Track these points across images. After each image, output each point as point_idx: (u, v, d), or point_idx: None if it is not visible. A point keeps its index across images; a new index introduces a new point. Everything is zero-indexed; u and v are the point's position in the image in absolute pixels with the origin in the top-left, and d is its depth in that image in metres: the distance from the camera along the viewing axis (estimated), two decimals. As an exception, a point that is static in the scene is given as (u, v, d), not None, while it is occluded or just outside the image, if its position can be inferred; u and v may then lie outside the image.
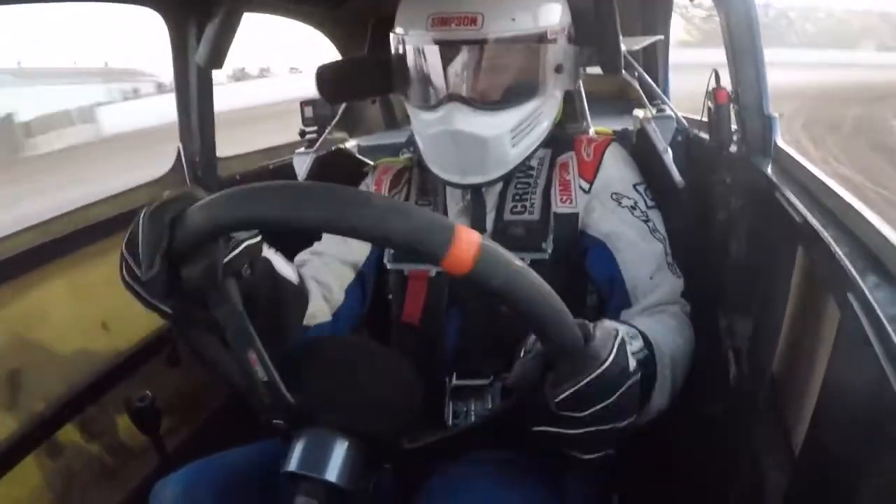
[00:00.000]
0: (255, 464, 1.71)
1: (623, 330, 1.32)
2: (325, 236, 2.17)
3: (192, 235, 1.15)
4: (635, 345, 1.54)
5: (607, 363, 1.16)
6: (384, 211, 0.99)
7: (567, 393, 1.15)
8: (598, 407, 1.17)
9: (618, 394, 1.18)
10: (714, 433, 2.22)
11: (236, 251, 1.29)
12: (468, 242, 0.99)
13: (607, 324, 1.24)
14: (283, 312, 1.66)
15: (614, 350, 1.18)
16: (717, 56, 2.30)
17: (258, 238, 1.39)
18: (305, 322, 1.91)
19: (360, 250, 2.17)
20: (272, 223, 1.04)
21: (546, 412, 1.19)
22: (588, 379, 1.15)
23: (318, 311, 2.01)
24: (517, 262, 1.04)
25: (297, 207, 1.02)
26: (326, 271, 2.10)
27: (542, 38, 1.96)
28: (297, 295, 1.78)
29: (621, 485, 2.02)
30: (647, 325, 1.70)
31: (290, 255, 1.87)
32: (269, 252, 1.60)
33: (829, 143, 16.99)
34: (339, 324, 2.08)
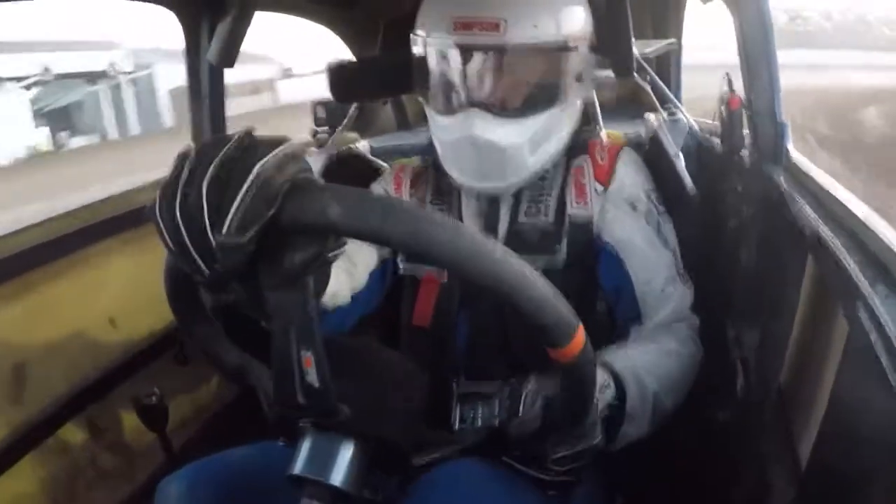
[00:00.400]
0: (261, 463, 1.71)
1: (599, 382, 1.52)
2: None
3: (309, 225, 1.00)
4: (607, 395, 1.64)
5: (597, 434, 1.40)
6: (519, 276, 1.00)
7: (565, 455, 1.40)
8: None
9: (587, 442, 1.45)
10: (720, 441, 2.22)
11: (343, 248, 1.13)
12: (579, 340, 1.06)
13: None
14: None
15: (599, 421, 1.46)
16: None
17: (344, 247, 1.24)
18: (328, 301, 1.89)
19: None
20: (395, 246, 1.03)
21: (540, 456, 1.40)
22: (583, 449, 1.42)
23: (340, 289, 1.97)
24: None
25: (429, 241, 0.97)
26: (355, 251, 2.07)
27: (563, 47, 1.94)
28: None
29: (626, 490, 2.02)
30: (642, 357, 1.80)
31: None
32: None
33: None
34: (356, 308, 2.07)
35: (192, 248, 0.96)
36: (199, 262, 0.97)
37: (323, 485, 1.25)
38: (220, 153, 0.94)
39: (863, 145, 17.02)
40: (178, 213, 0.95)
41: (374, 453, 1.31)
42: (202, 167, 0.94)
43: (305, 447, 1.29)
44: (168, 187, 0.96)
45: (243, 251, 0.95)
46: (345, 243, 1.11)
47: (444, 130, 2.02)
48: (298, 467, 1.27)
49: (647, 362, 1.75)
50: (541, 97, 1.97)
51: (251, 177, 0.92)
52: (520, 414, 1.39)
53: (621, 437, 1.65)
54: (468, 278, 0.99)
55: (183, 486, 1.67)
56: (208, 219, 0.93)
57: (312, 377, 1.15)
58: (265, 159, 0.93)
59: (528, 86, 1.95)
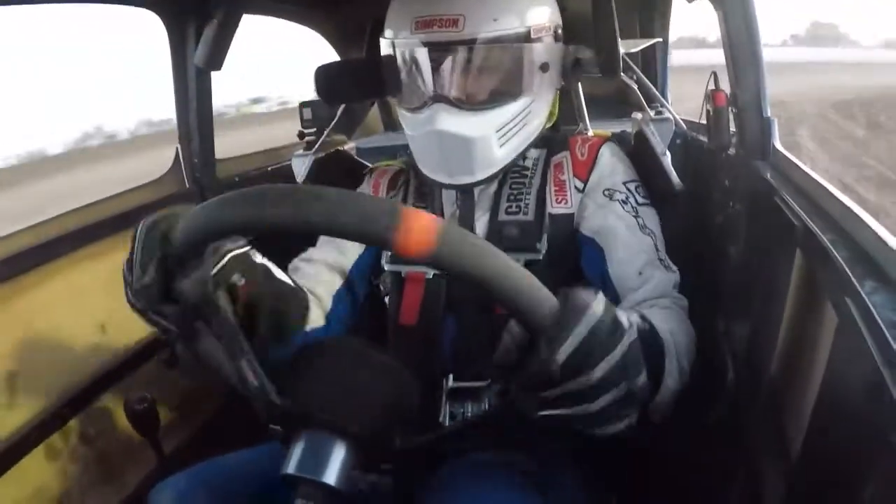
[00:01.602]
0: (254, 467, 1.71)
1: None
2: (319, 241, 2.19)
3: (180, 243, 1.20)
4: (633, 317, 1.44)
5: (598, 308, 1.07)
6: (333, 204, 1.01)
7: (567, 349, 1.05)
8: (604, 364, 1.08)
9: (619, 347, 1.09)
10: (712, 437, 2.22)
11: (222, 263, 1.36)
12: (420, 226, 0.99)
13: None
14: (285, 315, 1.66)
15: (600, 297, 1.09)
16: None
17: (244, 248, 1.44)
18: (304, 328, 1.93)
19: (350, 254, 2.19)
20: (240, 227, 1.07)
21: (547, 386, 1.10)
22: (582, 327, 1.06)
23: (314, 317, 2.03)
24: (476, 239, 1.04)
25: (259, 209, 1.05)
26: (315, 279, 2.12)
27: (525, 38, 1.95)
28: (297, 297, 1.79)
29: (619, 488, 2.02)
30: (651, 316, 1.65)
31: (284, 261, 1.92)
32: (262, 259, 1.60)
33: None
34: (331, 328, 2.09)
35: (133, 303, 1.34)
36: (155, 318, 1.33)
37: (315, 483, 1.26)
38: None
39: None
40: (127, 292, 1.35)
41: (365, 450, 1.31)
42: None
43: (299, 447, 1.30)
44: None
45: (152, 288, 1.27)
46: (220, 259, 1.37)
47: (412, 126, 2.05)
48: (292, 467, 1.28)
49: (654, 317, 1.64)
50: (505, 89, 1.98)
51: (135, 244, 1.29)
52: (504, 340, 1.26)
53: (665, 386, 1.56)
54: (297, 228, 1.03)
55: (175, 492, 1.68)
56: (130, 278, 1.32)
57: (252, 380, 1.27)
58: (147, 220, 1.29)
59: (491, 78, 1.97)
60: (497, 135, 1.97)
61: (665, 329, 1.62)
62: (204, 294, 1.23)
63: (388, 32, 2.04)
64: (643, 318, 1.55)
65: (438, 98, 1.94)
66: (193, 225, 1.15)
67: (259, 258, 1.57)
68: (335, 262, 2.17)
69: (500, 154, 2.01)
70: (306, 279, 2.10)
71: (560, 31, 2.07)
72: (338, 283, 2.17)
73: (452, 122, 1.92)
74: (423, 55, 1.94)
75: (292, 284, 1.76)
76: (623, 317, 1.13)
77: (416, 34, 1.92)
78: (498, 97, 1.97)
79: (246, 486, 1.68)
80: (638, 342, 1.14)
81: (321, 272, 2.15)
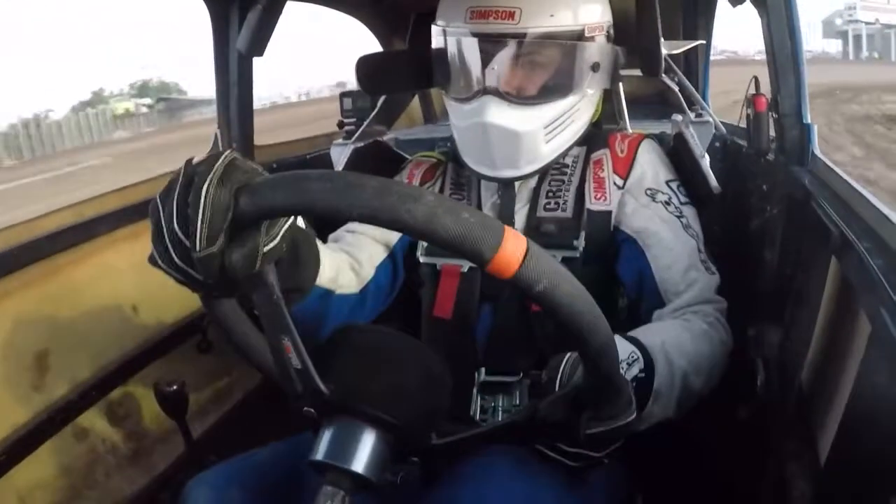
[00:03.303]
0: (288, 461, 1.71)
1: (624, 356, 1.48)
2: None
3: (259, 212, 1.08)
4: (634, 369, 1.57)
5: (634, 414, 1.23)
6: (434, 207, 0.97)
7: (600, 431, 1.22)
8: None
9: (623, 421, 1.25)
10: (740, 439, 2.21)
11: (276, 239, 1.20)
12: (515, 246, 0.98)
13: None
14: (301, 269, 1.64)
15: (633, 399, 1.25)
16: None
17: (295, 222, 1.37)
18: (331, 287, 1.89)
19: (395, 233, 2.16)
20: (327, 211, 1.02)
21: (570, 437, 1.25)
22: (620, 426, 1.22)
23: (346, 281, 2.00)
24: (564, 269, 1.03)
25: (351, 197, 1.00)
26: (359, 246, 2.11)
27: (579, 36, 1.96)
28: (308, 240, 1.75)
29: (645, 486, 2.01)
30: (669, 333, 1.73)
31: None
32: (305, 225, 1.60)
33: None
34: (366, 300, 2.09)
35: (183, 268, 1.12)
36: (192, 276, 1.13)
37: (344, 470, 1.26)
38: (174, 191, 1.09)
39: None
40: (168, 244, 1.10)
41: (396, 441, 1.31)
42: (167, 209, 1.10)
43: (327, 434, 1.29)
44: (154, 229, 1.12)
45: (216, 259, 1.07)
46: (276, 235, 1.19)
47: (459, 117, 2.05)
48: (320, 453, 1.28)
49: (674, 339, 1.71)
50: (556, 86, 1.98)
51: (202, 198, 1.03)
52: (556, 389, 1.34)
53: (646, 416, 1.61)
54: (387, 223, 1.00)
55: (210, 490, 1.68)
56: (188, 242, 1.07)
57: (295, 361, 1.23)
58: (208, 180, 1.04)
59: (543, 74, 1.97)
60: (544, 131, 1.98)
61: (689, 357, 1.71)
62: (253, 267, 1.14)
63: (440, 20, 2.04)
64: (648, 363, 1.61)
65: (488, 90, 1.94)
66: (277, 198, 1.05)
67: (303, 224, 1.56)
68: (381, 235, 2.17)
69: (546, 150, 2.02)
70: (349, 246, 2.10)
71: (612, 31, 2.07)
72: (382, 254, 2.17)
73: (501, 114, 1.92)
74: (476, 46, 1.95)
75: (303, 224, 1.68)
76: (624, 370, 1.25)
77: (470, 24, 1.93)
78: (547, 93, 1.97)
79: (279, 481, 1.68)
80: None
81: (366, 242, 2.14)
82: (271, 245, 1.18)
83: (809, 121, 2.11)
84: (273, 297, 1.19)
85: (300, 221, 1.61)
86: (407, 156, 2.61)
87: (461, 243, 0.96)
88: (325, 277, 1.81)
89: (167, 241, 1.09)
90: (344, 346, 1.38)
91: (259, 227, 1.12)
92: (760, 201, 2.31)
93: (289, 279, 1.54)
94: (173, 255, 1.10)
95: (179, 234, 1.07)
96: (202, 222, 1.04)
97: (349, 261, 2.06)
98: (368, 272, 2.11)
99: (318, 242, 1.77)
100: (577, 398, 1.24)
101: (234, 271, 1.10)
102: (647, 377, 1.59)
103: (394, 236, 2.17)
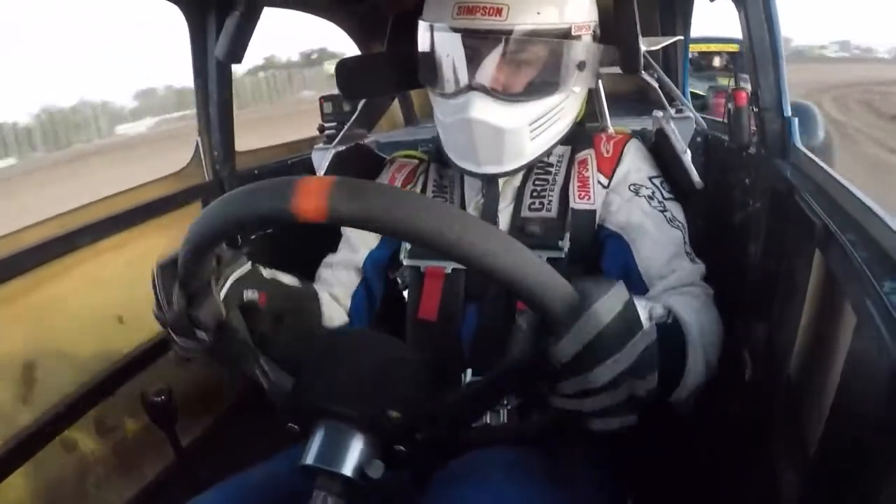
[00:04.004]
0: (282, 478, 1.70)
1: (640, 300, 1.32)
2: (339, 245, 2.30)
3: (190, 254, 1.25)
4: (657, 310, 1.51)
5: (607, 309, 1.07)
6: (238, 195, 1.09)
7: (569, 351, 1.07)
8: (604, 369, 1.08)
9: (627, 350, 1.09)
10: (729, 434, 2.22)
11: (227, 287, 1.47)
12: (314, 190, 1.00)
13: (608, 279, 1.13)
14: (304, 317, 1.74)
15: (612, 295, 1.08)
16: None
17: (246, 267, 1.54)
18: (328, 324, 2.04)
19: (361, 250, 2.24)
20: (231, 229, 1.12)
21: (554, 377, 1.13)
22: (590, 326, 1.06)
23: (336, 315, 2.13)
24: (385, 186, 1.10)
25: (219, 212, 1.12)
26: (334, 281, 2.21)
27: (566, 34, 1.96)
28: (309, 293, 1.83)
29: (635, 483, 2.02)
30: (669, 302, 1.67)
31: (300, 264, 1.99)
32: (268, 271, 1.69)
33: None
34: (353, 324, 2.16)
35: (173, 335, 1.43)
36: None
37: (334, 474, 1.26)
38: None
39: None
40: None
41: (383, 442, 1.31)
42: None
43: (317, 439, 1.31)
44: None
45: (182, 315, 1.34)
46: (227, 278, 1.49)
47: (445, 112, 2.05)
48: (310, 458, 1.29)
49: (677, 305, 1.66)
50: (542, 84, 1.99)
51: (156, 273, 1.37)
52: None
53: (687, 380, 1.56)
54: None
55: None
56: (159, 312, 1.40)
57: (266, 384, 1.38)
58: (161, 260, 1.36)
59: (529, 71, 1.97)
60: (529, 128, 1.98)
61: (693, 323, 1.62)
62: (219, 319, 1.37)
63: (426, 16, 2.04)
64: (669, 311, 1.56)
65: (474, 86, 1.94)
66: (193, 233, 1.20)
67: (266, 272, 1.67)
68: (350, 260, 2.23)
69: (531, 147, 2.02)
70: (327, 284, 2.18)
71: (598, 30, 2.08)
72: (355, 281, 2.23)
73: (487, 111, 1.92)
74: (463, 42, 1.95)
75: (300, 284, 1.86)
76: (644, 313, 1.14)
77: (457, 20, 1.93)
78: (533, 91, 1.98)
79: (274, 499, 1.67)
80: (655, 345, 1.14)
81: (339, 274, 2.22)
82: (224, 290, 1.45)
83: (790, 114, 2.11)
84: (238, 337, 1.41)
85: (294, 281, 1.83)
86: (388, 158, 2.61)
87: (262, 212, 1.07)
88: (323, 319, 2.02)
89: (161, 321, 1.41)
90: (323, 352, 1.42)
91: (209, 288, 1.37)
92: (743, 195, 2.32)
93: (296, 329, 1.77)
94: (169, 332, 1.42)
95: (158, 314, 1.40)
96: (160, 297, 1.36)
97: (330, 299, 2.16)
98: (347, 303, 2.20)
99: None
100: (536, 328, 1.16)
101: (205, 322, 1.34)
102: (675, 324, 1.56)
103: (360, 257, 2.24)
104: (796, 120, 2.11)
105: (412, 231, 1.00)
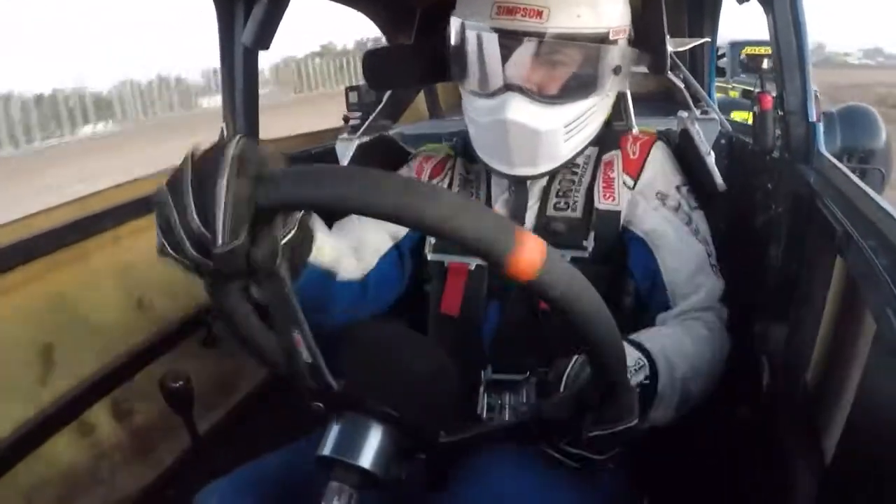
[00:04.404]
0: (300, 468, 1.70)
1: (631, 363, 1.48)
2: None
3: (281, 204, 1.06)
4: (640, 375, 1.58)
5: (637, 419, 1.26)
6: (454, 207, 0.96)
7: (602, 434, 1.25)
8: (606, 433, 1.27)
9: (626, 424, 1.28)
10: (745, 438, 2.22)
11: (293, 231, 1.26)
12: (532, 249, 0.96)
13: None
14: (295, 252, 1.63)
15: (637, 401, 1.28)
16: None
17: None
18: (332, 269, 1.87)
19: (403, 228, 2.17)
20: (349, 208, 1.00)
21: (573, 439, 1.29)
22: (622, 429, 1.25)
23: (348, 265, 1.99)
24: (580, 275, 1.03)
25: (373, 195, 0.98)
26: (362, 233, 2.10)
27: (604, 39, 1.95)
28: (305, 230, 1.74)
29: (651, 486, 2.01)
30: (671, 339, 1.75)
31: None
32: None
33: None
34: (367, 289, 2.08)
35: (200, 260, 1.05)
36: (207, 268, 1.07)
37: (351, 466, 1.26)
38: (185, 182, 1.02)
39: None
40: (182, 237, 1.03)
41: (403, 437, 1.32)
42: (180, 200, 1.02)
43: (335, 430, 1.30)
44: (163, 221, 1.05)
45: (240, 252, 1.03)
46: (293, 227, 1.26)
47: (479, 112, 2.03)
48: (327, 449, 1.28)
49: (675, 344, 1.73)
50: (578, 86, 1.97)
51: (222, 190, 0.98)
52: (561, 390, 1.33)
53: (647, 421, 1.61)
54: (406, 221, 0.98)
55: (221, 500, 1.68)
56: (208, 234, 1.01)
57: (306, 355, 1.21)
58: (227, 169, 0.98)
59: (566, 74, 1.96)
60: (564, 130, 1.98)
61: (690, 362, 1.73)
62: (274, 263, 1.11)
63: (460, 12, 2.03)
64: (653, 370, 1.62)
65: (511, 87, 1.93)
66: (299, 192, 1.02)
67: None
68: (388, 226, 2.14)
69: (564, 150, 2.02)
70: (352, 231, 2.09)
71: (633, 34, 2.07)
72: (387, 245, 2.16)
73: (523, 112, 1.91)
74: (501, 42, 1.93)
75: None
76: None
77: (496, 19, 1.91)
78: (570, 93, 1.97)
79: (292, 489, 1.66)
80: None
81: (370, 229, 2.12)
82: (289, 237, 1.22)
83: (815, 119, 2.11)
84: (285, 291, 1.15)
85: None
86: (412, 150, 2.60)
87: (480, 246, 0.95)
88: (326, 259, 1.79)
89: (182, 233, 1.02)
90: (352, 342, 1.39)
91: (276, 219, 1.10)
92: (765, 199, 2.31)
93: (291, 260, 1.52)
94: (187, 247, 1.04)
95: (198, 226, 1.01)
96: (225, 214, 0.99)
97: (352, 247, 2.05)
98: (370, 261, 2.11)
99: (321, 226, 1.79)
100: (581, 400, 1.24)
101: (258, 265, 1.07)
102: (651, 383, 1.60)
103: (402, 230, 2.15)
104: (821, 125, 2.11)
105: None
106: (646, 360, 1.60)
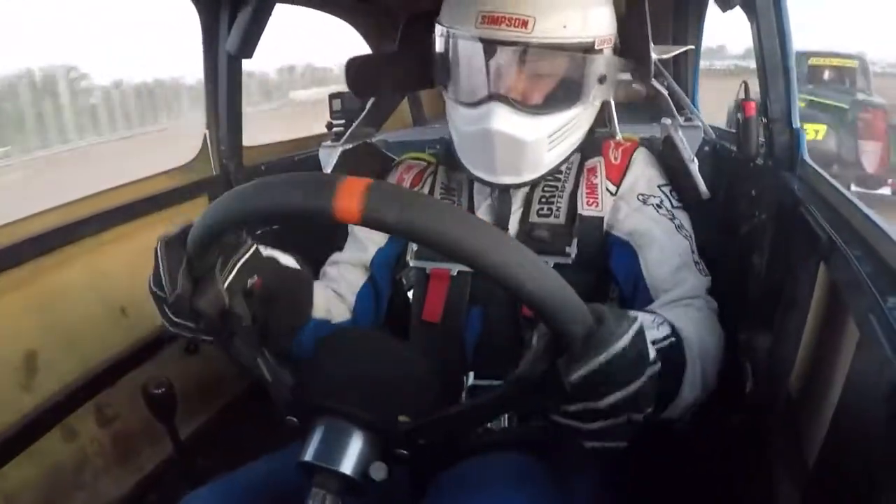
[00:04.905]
0: (281, 473, 1.70)
1: (647, 317, 1.39)
2: (346, 244, 2.28)
3: (199, 238, 1.24)
4: (661, 331, 1.53)
5: (623, 343, 1.09)
6: (270, 186, 1.07)
7: (581, 373, 1.09)
8: (613, 398, 1.12)
9: (637, 383, 1.13)
10: (728, 443, 2.22)
11: (233, 273, 1.44)
12: (352, 189, 1.00)
13: (624, 310, 1.18)
14: (296, 301, 1.73)
15: (631, 331, 1.11)
16: None
17: (251, 250, 1.51)
18: (327, 318, 2.00)
19: (370, 249, 2.22)
20: (250, 217, 1.10)
21: (562, 396, 1.14)
22: (602, 357, 1.08)
23: (338, 311, 2.10)
24: (425, 199, 1.07)
25: (249, 200, 1.11)
26: (340, 280, 2.19)
27: (589, 49, 1.95)
28: (301, 280, 1.83)
29: (634, 494, 2.01)
30: (672, 316, 1.66)
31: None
32: (267, 250, 1.69)
33: None
34: (357, 321, 2.14)
35: (172, 320, 1.46)
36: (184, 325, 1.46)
37: (332, 472, 1.26)
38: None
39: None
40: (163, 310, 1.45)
41: (380, 437, 1.31)
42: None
43: (317, 436, 1.30)
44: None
45: (184, 298, 1.31)
46: (233, 269, 1.46)
47: (463, 121, 2.03)
48: (309, 455, 1.29)
49: (680, 320, 1.66)
50: (563, 96, 1.97)
51: (160, 250, 1.35)
52: (534, 343, 1.21)
53: (681, 401, 1.56)
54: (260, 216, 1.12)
55: None
56: (160, 293, 1.38)
57: (268, 376, 1.35)
58: (164, 236, 1.35)
59: (551, 84, 1.96)
60: (548, 139, 1.98)
61: (694, 337, 1.63)
62: (222, 308, 1.34)
63: (446, 21, 2.02)
64: (673, 329, 1.56)
65: (496, 96, 1.92)
66: (207, 220, 1.20)
67: (265, 251, 1.66)
68: (357, 259, 2.22)
69: (548, 158, 2.02)
70: (331, 281, 2.17)
71: (619, 43, 2.07)
72: (361, 279, 2.21)
73: (508, 122, 1.91)
74: (486, 51, 1.93)
75: (297, 266, 1.82)
76: (651, 348, 1.16)
77: (481, 29, 1.90)
78: (554, 103, 1.97)
79: (272, 494, 1.67)
80: (657, 376, 1.19)
81: (345, 272, 2.20)
82: (230, 279, 1.43)
83: (798, 125, 2.11)
84: (242, 326, 1.38)
85: (291, 262, 1.80)
86: (396, 157, 2.60)
87: (303, 207, 1.04)
88: (320, 311, 1.96)
89: (158, 299, 1.40)
90: (330, 349, 1.42)
91: (214, 272, 1.34)
92: (749, 206, 2.32)
93: (286, 315, 1.76)
94: (169, 315, 1.44)
95: (157, 290, 1.40)
96: (163, 276, 1.32)
97: (336, 297, 2.14)
98: (351, 301, 2.17)
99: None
100: (550, 347, 1.17)
101: (208, 314, 1.32)
102: (678, 344, 1.55)
103: (367, 255, 2.22)
104: (804, 132, 2.11)
105: (449, 244, 1.01)
106: (665, 320, 1.57)
